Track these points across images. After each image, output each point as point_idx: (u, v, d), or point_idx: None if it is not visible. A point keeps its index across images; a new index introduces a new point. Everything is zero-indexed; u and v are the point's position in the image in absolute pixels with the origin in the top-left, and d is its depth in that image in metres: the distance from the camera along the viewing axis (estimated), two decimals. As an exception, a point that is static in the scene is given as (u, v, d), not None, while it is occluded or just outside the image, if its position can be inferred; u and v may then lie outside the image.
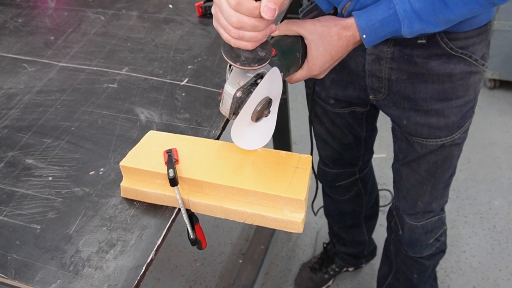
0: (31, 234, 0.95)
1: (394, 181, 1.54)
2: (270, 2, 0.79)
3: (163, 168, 0.94)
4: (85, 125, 1.18)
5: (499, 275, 2.15)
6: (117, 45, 1.45)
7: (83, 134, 1.16)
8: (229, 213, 0.93)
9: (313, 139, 1.52)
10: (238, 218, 0.94)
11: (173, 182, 0.91)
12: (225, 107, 0.93)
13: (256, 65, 0.88)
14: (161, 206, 0.97)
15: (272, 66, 0.93)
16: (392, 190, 1.88)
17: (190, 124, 1.15)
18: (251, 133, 0.99)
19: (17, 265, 0.89)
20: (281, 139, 2.26)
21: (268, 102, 0.95)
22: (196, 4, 1.53)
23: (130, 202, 0.99)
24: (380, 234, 2.21)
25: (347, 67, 1.28)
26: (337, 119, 1.49)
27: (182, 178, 0.94)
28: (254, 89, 0.91)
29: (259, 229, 2.27)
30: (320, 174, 1.80)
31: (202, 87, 1.25)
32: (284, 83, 2.04)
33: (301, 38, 1.02)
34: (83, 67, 1.38)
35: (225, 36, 0.85)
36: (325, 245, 2.24)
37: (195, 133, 1.12)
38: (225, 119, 1.14)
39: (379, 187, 2.06)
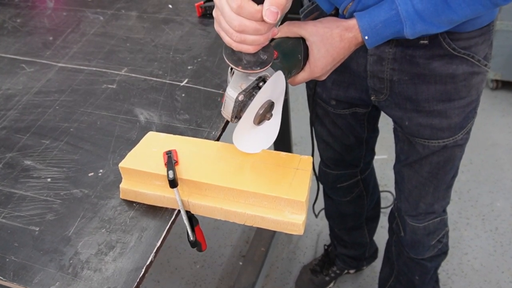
0: (29, 236, 0.95)
1: (396, 182, 1.54)
2: (272, 6, 0.79)
3: (162, 170, 0.94)
4: (84, 126, 1.18)
5: (501, 277, 2.15)
6: (116, 45, 1.45)
7: (82, 135, 1.16)
8: (229, 214, 0.93)
9: (314, 140, 1.52)
10: (238, 220, 0.93)
11: (173, 183, 0.91)
12: (227, 111, 0.93)
13: (258, 68, 0.88)
14: (160, 208, 0.97)
15: (274, 69, 0.93)
16: (393, 192, 1.88)
17: (190, 125, 1.15)
18: (253, 137, 0.99)
19: (16, 267, 0.89)
20: (282, 140, 2.26)
21: (270, 106, 0.95)
22: (196, 4, 1.53)
23: (130, 203, 0.99)
24: (381, 236, 2.21)
25: (348, 68, 1.28)
26: (338, 120, 1.49)
27: (182, 180, 0.94)
28: (256, 92, 0.91)
29: (260, 231, 2.28)
30: (321, 176, 1.80)
31: (202, 87, 1.25)
32: (286, 85, 2.04)
33: (302, 40, 1.02)
34: (82, 67, 1.38)
35: (226, 39, 0.85)
36: (326, 247, 2.24)
37: (195, 134, 1.12)
38: (225, 120, 1.14)
39: (381, 188, 2.06)
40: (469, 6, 0.94)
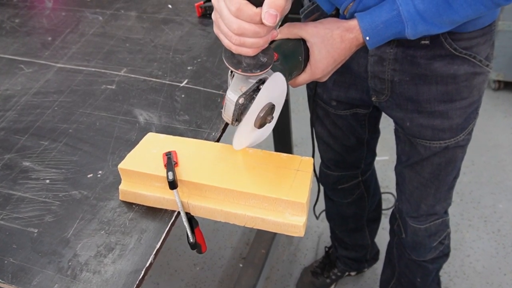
0: (28, 238, 0.95)
1: (397, 184, 1.54)
2: (271, 9, 0.79)
3: (162, 171, 0.94)
4: (83, 127, 1.18)
5: (503, 279, 2.15)
6: (115, 45, 1.45)
7: (81, 136, 1.16)
8: (229, 216, 0.93)
9: (315, 141, 1.52)
10: (238, 221, 0.93)
11: (173, 185, 0.91)
12: (228, 114, 0.93)
13: (258, 71, 0.88)
14: (160, 210, 0.97)
15: (274, 71, 0.93)
16: (394, 193, 1.88)
17: (189, 126, 1.15)
18: (251, 138, 0.99)
19: (14, 270, 0.89)
20: (282, 141, 2.26)
21: (271, 108, 0.95)
22: (196, 4, 1.53)
23: (129, 205, 0.99)
24: (382, 238, 2.21)
25: (349, 69, 1.28)
26: (339, 121, 1.50)
27: (182, 181, 0.94)
28: (256, 95, 0.91)
29: (260, 233, 2.27)
30: (322, 177, 1.80)
31: (202, 88, 1.26)
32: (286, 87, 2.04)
33: (303, 41, 1.02)
34: (81, 68, 1.38)
35: (226, 42, 0.85)
36: (327, 249, 2.24)
37: (195, 135, 1.12)
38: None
39: (382, 190, 2.06)
40: (471, 6, 0.94)
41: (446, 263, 1.74)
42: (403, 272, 1.75)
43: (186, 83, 1.28)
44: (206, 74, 1.30)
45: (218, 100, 1.21)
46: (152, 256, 0.89)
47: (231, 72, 0.93)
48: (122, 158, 1.00)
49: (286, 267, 2.31)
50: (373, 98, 1.30)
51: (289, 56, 0.99)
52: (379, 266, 2.15)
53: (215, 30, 0.88)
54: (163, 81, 1.29)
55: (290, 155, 0.98)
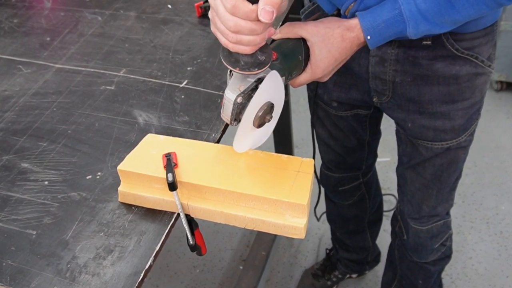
0: (26, 239, 0.95)
1: (399, 185, 1.54)
2: (267, 5, 0.79)
3: (161, 172, 0.94)
4: (82, 128, 1.19)
5: (506, 281, 2.15)
6: (114, 46, 1.46)
7: (80, 138, 1.16)
8: (229, 218, 0.93)
9: (315, 142, 1.52)
10: (238, 223, 0.94)
11: (172, 186, 0.91)
12: (226, 113, 0.93)
13: (256, 69, 0.88)
14: (159, 211, 0.97)
15: (273, 70, 0.93)
16: (396, 195, 1.88)
17: (189, 127, 1.15)
18: (252, 139, 0.99)
19: (13, 272, 0.89)
20: (283, 143, 2.26)
21: (270, 107, 0.95)
22: (196, 4, 1.53)
23: (128, 207, 0.99)
24: (384, 240, 2.21)
25: (350, 69, 1.28)
26: (340, 122, 1.50)
27: (181, 183, 0.94)
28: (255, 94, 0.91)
29: (260, 235, 2.27)
30: (322, 178, 1.80)
31: (202, 89, 1.26)
32: (286, 86, 2.04)
33: (303, 41, 1.02)
34: (80, 68, 1.38)
35: (223, 40, 0.86)
36: (327, 251, 2.24)
37: (195, 137, 1.12)
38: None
39: (383, 191, 2.06)
40: (473, 6, 0.94)
41: (448, 265, 1.74)
42: (404, 274, 1.75)
43: (186, 84, 1.28)
44: (206, 75, 1.30)
45: (218, 101, 1.21)
46: (152, 258, 0.89)
47: (230, 71, 0.93)
48: (121, 159, 1.00)
49: (286, 269, 2.31)
50: (374, 99, 1.31)
51: (289, 55, 0.99)
52: (380, 268, 2.15)
53: (212, 28, 0.88)
54: (163, 82, 1.29)
55: (290, 156, 0.98)
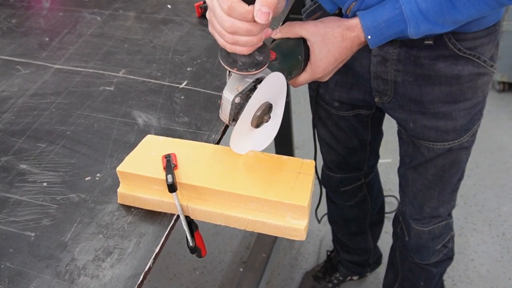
0: (25, 241, 0.95)
1: (400, 186, 1.54)
2: (263, 6, 0.79)
3: (161, 174, 0.94)
4: (81, 129, 1.19)
5: (508, 284, 2.14)
6: (114, 46, 1.46)
7: (78, 139, 1.16)
8: (229, 220, 0.93)
9: (317, 142, 1.52)
10: (238, 225, 0.93)
11: (172, 188, 0.91)
12: (224, 114, 0.93)
13: (254, 69, 0.88)
14: (159, 213, 0.97)
15: (272, 71, 0.93)
16: (398, 196, 1.88)
17: (189, 128, 1.15)
18: (251, 139, 0.99)
19: (11, 274, 0.89)
20: (283, 144, 2.26)
21: (268, 107, 0.95)
22: (196, 4, 1.53)
23: (127, 208, 0.99)
24: (385, 241, 2.21)
25: (351, 69, 1.28)
26: (341, 122, 1.50)
27: (181, 184, 0.94)
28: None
29: (261, 237, 2.27)
30: (324, 179, 1.80)
31: (202, 90, 1.26)
32: (287, 86, 2.04)
33: (303, 40, 1.02)
34: (78, 69, 1.38)
35: (220, 41, 0.86)
36: (328, 253, 2.24)
37: (195, 138, 1.12)
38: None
39: (385, 193, 2.06)
40: (474, 6, 0.94)
41: (450, 267, 1.74)
42: (406, 276, 1.75)
43: (185, 85, 1.28)
44: (206, 75, 1.30)
45: (218, 102, 1.21)
46: (151, 260, 0.89)
47: (229, 72, 0.93)
48: (120, 160, 1.00)
49: (287, 272, 2.30)
50: (375, 99, 1.31)
51: (288, 55, 0.99)
52: (381, 270, 2.15)
53: (210, 29, 0.88)
54: (162, 83, 1.29)
55: (291, 157, 0.98)
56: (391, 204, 2.49)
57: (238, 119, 0.93)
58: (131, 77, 1.33)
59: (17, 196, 1.04)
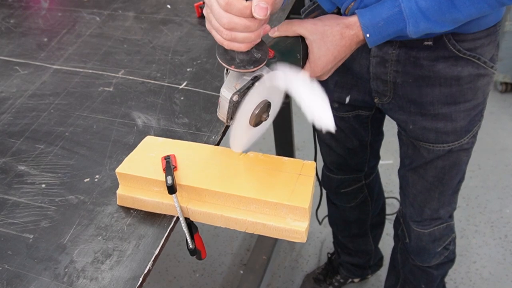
0: (23, 243, 0.95)
1: (401, 187, 1.54)
2: (261, 1, 0.79)
3: (161, 175, 0.95)
4: (80, 130, 1.19)
5: (510, 286, 2.14)
6: (113, 47, 1.46)
7: (77, 140, 1.16)
8: (229, 222, 0.94)
9: (317, 144, 1.52)
10: (239, 227, 0.94)
11: (171, 189, 0.91)
12: (222, 112, 0.93)
13: (252, 67, 0.88)
14: (158, 215, 0.97)
15: (270, 69, 0.93)
16: (399, 198, 1.88)
17: (189, 129, 1.15)
18: (249, 138, 0.99)
19: (9, 276, 0.90)
20: (284, 145, 2.26)
21: (266, 106, 0.95)
22: (195, 4, 1.54)
23: (127, 210, 0.99)
24: (386, 243, 2.21)
25: (351, 70, 1.28)
26: (341, 123, 1.50)
27: (181, 186, 0.94)
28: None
29: (261, 239, 2.27)
30: (324, 180, 1.80)
31: (202, 90, 1.26)
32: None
33: (302, 39, 1.02)
34: (77, 69, 1.38)
35: (217, 38, 0.86)
36: (329, 255, 2.24)
37: (194, 139, 1.12)
38: (226, 124, 1.14)
39: (386, 194, 2.06)
40: (474, 5, 0.94)
41: (451, 269, 1.74)
42: (407, 278, 1.75)
43: (185, 85, 1.28)
44: (206, 76, 1.30)
45: (217, 103, 1.21)
46: (151, 262, 0.89)
47: (227, 69, 0.93)
48: (119, 162, 1.00)
49: (287, 274, 2.31)
50: (375, 100, 1.31)
51: (286, 54, 0.99)
52: (383, 272, 2.15)
53: (207, 26, 0.88)
54: (162, 83, 1.30)
55: (292, 159, 0.99)
56: (392, 205, 2.49)
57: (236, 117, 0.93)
58: (131, 77, 1.33)
59: (16, 198, 1.04)
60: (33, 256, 0.93)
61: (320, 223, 2.07)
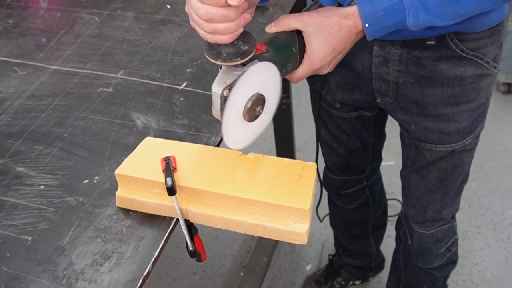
0: (22, 245, 0.95)
1: (403, 189, 1.54)
2: None
3: (160, 177, 0.94)
4: (79, 131, 1.19)
5: (513, 288, 2.15)
6: (112, 47, 1.46)
7: (76, 141, 1.16)
8: (229, 223, 0.93)
9: (319, 145, 1.52)
10: (239, 229, 0.94)
11: (171, 191, 0.91)
12: (216, 109, 0.93)
13: (239, 59, 0.88)
14: (158, 217, 0.97)
15: (264, 62, 0.92)
16: (401, 199, 1.88)
17: (188, 130, 1.15)
18: (245, 134, 0.98)
19: (8, 278, 0.89)
20: (285, 146, 2.26)
21: (260, 99, 0.94)
22: (195, 5, 1.53)
23: (126, 212, 0.99)
24: (388, 245, 2.21)
25: (353, 70, 1.28)
26: (343, 124, 1.50)
27: (181, 187, 0.94)
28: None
29: (261, 241, 2.27)
30: (326, 181, 1.80)
31: (202, 91, 1.26)
32: (287, 86, 2.04)
33: (298, 32, 1.01)
34: (76, 70, 1.38)
35: (201, 33, 0.87)
36: (330, 257, 2.24)
37: (194, 140, 1.12)
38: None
39: (388, 196, 2.06)
40: None
41: (453, 271, 1.74)
42: (409, 280, 1.75)
43: (185, 86, 1.28)
44: (205, 77, 1.30)
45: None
46: (150, 264, 0.89)
47: (220, 66, 0.93)
48: (119, 163, 1.00)
49: (288, 276, 2.30)
50: (378, 100, 1.31)
51: (281, 48, 0.98)
52: (384, 275, 2.15)
53: (191, 22, 0.89)
54: (162, 84, 1.30)
55: (292, 160, 0.98)
56: (394, 207, 2.49)
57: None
58: (130, 78, 1.33)
59: (14, 200, 1.04)
60: (31, 258, 0.92)
61: (321, 220, 2.06)
